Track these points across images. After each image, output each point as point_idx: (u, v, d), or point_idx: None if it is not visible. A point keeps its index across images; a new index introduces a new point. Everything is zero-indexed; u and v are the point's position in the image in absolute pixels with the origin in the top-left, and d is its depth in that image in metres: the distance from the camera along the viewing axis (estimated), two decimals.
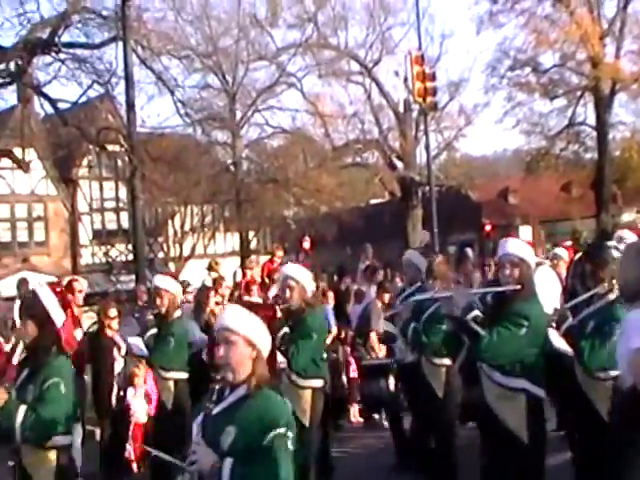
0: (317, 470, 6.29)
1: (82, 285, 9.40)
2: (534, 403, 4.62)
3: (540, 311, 4.74)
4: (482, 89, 30.59)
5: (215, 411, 3.45)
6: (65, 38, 17.60)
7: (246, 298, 10.53)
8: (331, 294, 11.13)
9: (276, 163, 29.13)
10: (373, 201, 36.73)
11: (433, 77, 21.82)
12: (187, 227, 30.22)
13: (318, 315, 6.39)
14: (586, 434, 5.16)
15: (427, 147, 23.73)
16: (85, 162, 28.13)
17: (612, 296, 4.99)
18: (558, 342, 5.42)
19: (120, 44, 17.05)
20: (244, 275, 12.86)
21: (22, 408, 4.19)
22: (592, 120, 28.43)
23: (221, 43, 27.95)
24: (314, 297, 6.49)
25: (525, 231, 30.75)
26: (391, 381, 9.04)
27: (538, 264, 7.46)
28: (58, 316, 4.59)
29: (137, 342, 7.40)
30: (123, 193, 27.83)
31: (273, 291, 11.57)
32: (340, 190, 29.17)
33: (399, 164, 29.41)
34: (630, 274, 3.46)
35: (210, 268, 12.53)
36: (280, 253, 13.26)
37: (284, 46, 29.13)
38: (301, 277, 6.24)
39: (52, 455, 4.30)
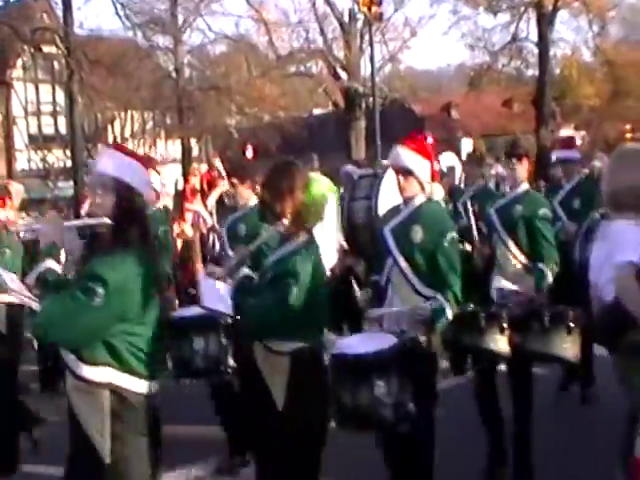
0: None
1: (18, 189, 9.32)
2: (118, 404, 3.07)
3: (129, 270, 3.06)
4: (427, 1, 30.44)
5: None
6: None
7: (187, 205, 10.53)
8: None
9: (219, 70, 28.64)
10: (316, 111, 36.52)
11: None
12: (127, 133, 29.75)
13: None
14: (262, 426, 3.72)
15: (372, 58, 23.61)
16: (19, 63, 27.21)
17: (300, 239, 3.67)
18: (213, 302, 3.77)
19: None
20: (186, 183, 12.86)
21: None
22: (534, 36, 28.69)
23: None
24: None
25: (467, 144, 31.06)
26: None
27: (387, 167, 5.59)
28: None
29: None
30: (61, 97, 27.12)
31: (211, 200, 11.68)
32: (283, 99, 28.92)
33: (343, 75, 29.18)
34: (621, 183, 3.22)
35: None
36: (218, 162, 13.21)
37: None
38: None
39: None
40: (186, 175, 17.28)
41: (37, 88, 28.61)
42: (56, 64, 23.50)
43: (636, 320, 2.85)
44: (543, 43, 28.11)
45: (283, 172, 3.75)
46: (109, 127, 29.64)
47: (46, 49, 21.02)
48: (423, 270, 4.29)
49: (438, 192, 6.14)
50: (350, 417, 3.77)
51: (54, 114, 28.95)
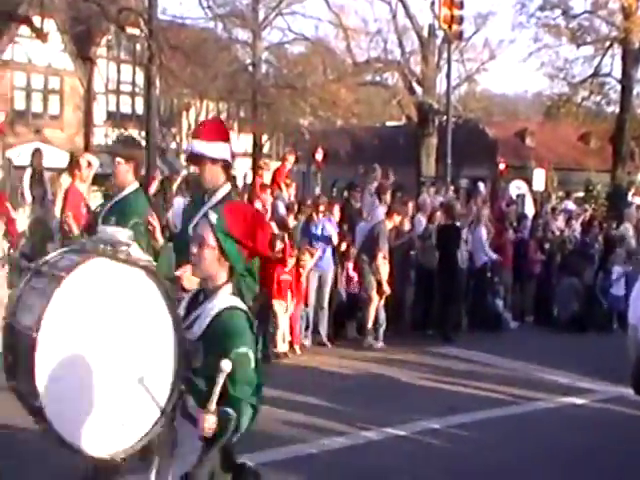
0: None
1: (92, 162, 9.53)
2: None
3: None
4: (509, 25, 30.12)
5: None
6: None
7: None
8: (337, 208, 11.36)
9: (295, 70, 28.83)
10: (389, 123, 36.53)
11: (461, 5, 21.46)
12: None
13: None
14: None
15: (448, 76, 23.53)
16: (104, 41, 28.02)
17: None
18: None
19: None
20: (254, 177, 12.89)
21: None
22: (618, 73, 28.00)
23: None
24: None
25: (539, 175, 30.58)
26: None
27: None
28: None
29: None
30: (140, 78, 27.75)
31: (285, 196, 11.82)
32: (357, 107, 28.96)
33: (418, 89, 29.10)
34: None
35: None
36: (291, 158, 13.18)
37: None
38: None
39: None
40: (255, 169, 17.50)
41: (119, 67, 29.36)
42: (138, 46, 24.11)
43: None
44: (627, 80, 27.49)
45: None
46: (184, 113, 30.20)
47: (130, 30, 21.61)
48: None
49: None
50: None
51: (132, 94, 29.67)
